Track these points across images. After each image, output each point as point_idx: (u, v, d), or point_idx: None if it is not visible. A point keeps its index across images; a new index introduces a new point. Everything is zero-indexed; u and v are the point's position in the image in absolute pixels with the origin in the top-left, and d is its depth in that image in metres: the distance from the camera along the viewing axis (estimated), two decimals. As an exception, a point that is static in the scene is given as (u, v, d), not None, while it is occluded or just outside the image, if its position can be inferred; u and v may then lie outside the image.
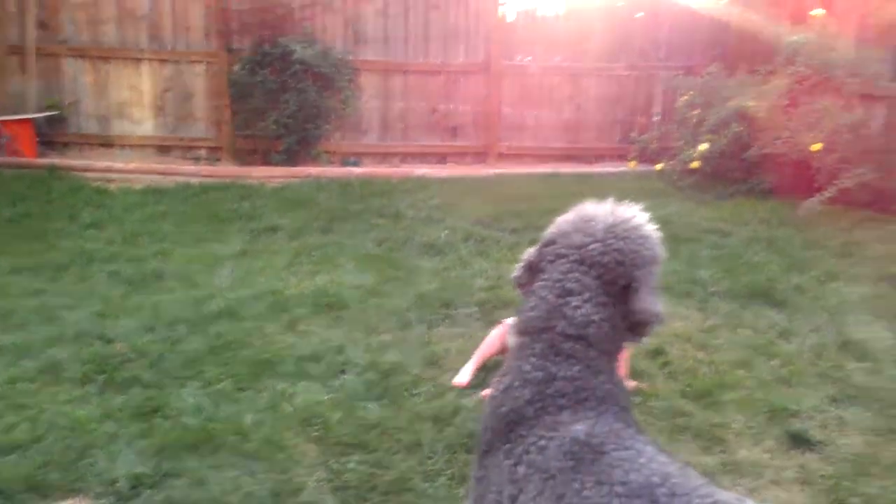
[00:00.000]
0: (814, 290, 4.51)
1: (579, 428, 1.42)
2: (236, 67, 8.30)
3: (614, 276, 1.58)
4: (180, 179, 7.32)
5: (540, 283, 1.61)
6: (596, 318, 1.56)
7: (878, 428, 2.98)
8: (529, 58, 9.10)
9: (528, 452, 1.44)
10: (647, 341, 1.85)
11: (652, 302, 1.59)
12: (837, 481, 2.65)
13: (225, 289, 4.36)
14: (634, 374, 3.39)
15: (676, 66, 8.99)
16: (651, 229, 1.66)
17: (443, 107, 9.04)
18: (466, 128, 9.14)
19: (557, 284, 1.58)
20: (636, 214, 1.68)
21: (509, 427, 1.51)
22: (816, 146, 6.28)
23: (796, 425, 2.99)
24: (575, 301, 1.56)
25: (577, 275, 1.57)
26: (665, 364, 3.52)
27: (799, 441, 2.90)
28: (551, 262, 1.62)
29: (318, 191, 7.01)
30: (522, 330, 1.62)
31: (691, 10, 8.89)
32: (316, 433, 2.88)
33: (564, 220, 1.67)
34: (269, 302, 4.16)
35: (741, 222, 6.05)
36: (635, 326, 1.62)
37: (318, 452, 2.78)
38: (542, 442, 1.43)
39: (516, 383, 1.54)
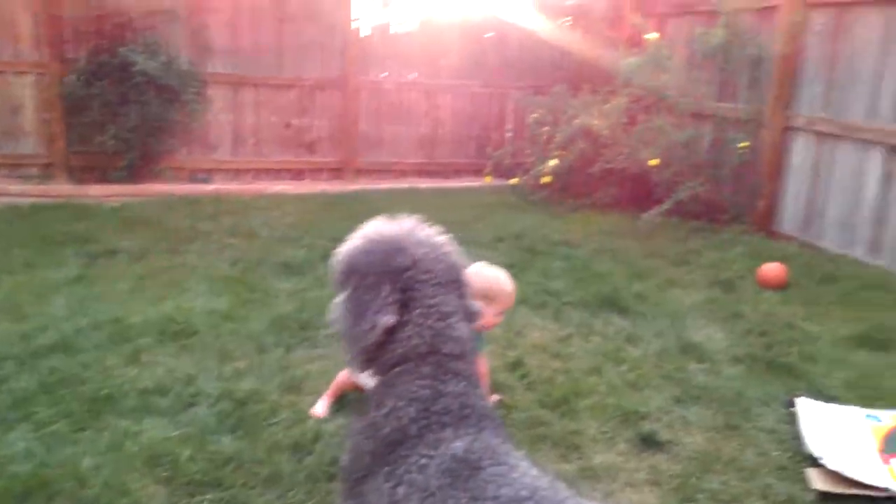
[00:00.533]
0: (655, 297, 4.79)
1: (458, 445, 1.46)
2: (70, 79, 7.73)
3: (461, 290, 1.68)
4: (6, 200, 6.69)
5: (416, 312, 1.60)
6: (468, 333, 1.66)
7: (717, 425, 3.19)
8: (385, 73, 9.13)
9: (409, 472, 1.45)
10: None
11: (475, 307, 1.72)
12: (685, 479, 2.79)
13: (59, 319, 4.00)
14: (495, 387, 3.43)
15: (526, 85, 9.34)
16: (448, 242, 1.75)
17: (297, 122, 8.85)
18: (323, 143, 9.01)
19: (434, 310, 1.61)
20: (433, 230, 1.74)
21: (390, 448, 1.50)
22: (654, 162, 6.72)
23: (646, 427, 3.13)
24: (454, 321, 1.62)
25: (448, 297, 1.63)
26: (524, 375, 3.59)
27: (649, 442, 3.04)
28: (417, 289, 1.61)
29: (163, 209, 6.64)
30: (400, 360, 1.60)
31: (535, 32, 9.27)
32: (164, 473, 2.68)
33: (399, 247, 1.64)
34: (110, 332, 3.86)
35: (588, 234, 6.34)
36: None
37: (166, 494, 2.58)
38: (424, 461, 1.45)
39: (400, 403, 1.54)
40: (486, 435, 1.51)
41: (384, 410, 1.56)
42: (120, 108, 7.75)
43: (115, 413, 3.07)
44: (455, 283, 1.66)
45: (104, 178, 7.83)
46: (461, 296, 1.67)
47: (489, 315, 2.85)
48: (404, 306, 1.60)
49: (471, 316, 1.70)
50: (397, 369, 1.60)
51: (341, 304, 1.70)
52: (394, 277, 1.60)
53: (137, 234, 5.80)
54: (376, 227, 1.71)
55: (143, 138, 7.84)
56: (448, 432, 1.49)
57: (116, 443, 2.84)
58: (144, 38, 7.94)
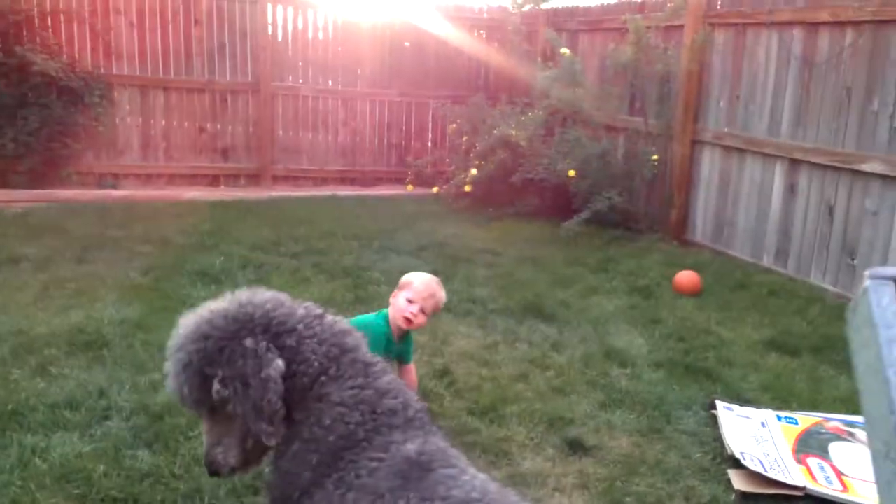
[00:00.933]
0: (577, 303, 4.87)
1: (410, 447, 1.46)
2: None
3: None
4: None
5: (290, 340, 1.62)
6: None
7: (641, 429, 3.25)
8: (301, 80, 8.99)
9: (358, 476, 1.44)
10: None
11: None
12: (611, 483, 2.83)
13: (-45, 331, 3.72)
14: (423, 394, 3.39)
15: (444, 95, 9.40)
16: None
17: (211, 126, 8.61)
18: (238, 149, 8.78)
19: (315, 320, 1.66)
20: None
21: (337, 455, 1.48)
22: (571, 172, 6.87)
23: (572, 432, 3.17)
24: (334, 319, 1.70)
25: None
26: (451, 383, 3.58)
27: (576, 447, 3.07)
28: (289, 331, 1.64)
29: (69, 216, 6.30)
30: (319, 371, 1.59)
31: (452, 43, 9.36)
32: (77, 490, 2.52)
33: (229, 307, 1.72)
34: (13, 344, 3.61)
35: (510, 242, 6.41)
36: None
37: (79, 513, 2.43)
38: (374, 464, 1.45)
39: (343, 410, 1.52)
40: (435, 437, 1.53)
41: (326, 422, 1.53)
42: (18, 110, 7.34)
43: (21, 429, 2.87)
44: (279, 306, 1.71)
45: (4, 183, 7.39)
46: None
47: (406, 311, 2.92)
48: (278, 336, 1.63)
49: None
50: (322, 379, 1.58)
51: (223, 391, 1.61)
52: (250, 327, 1.63)
53: (42, 241, 5.48)
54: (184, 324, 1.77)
55: (44, 142, 7.46)
56: (397, 435, 1.49)
57: (24, 460, 2.65)
58: (44, 38, 7.55)
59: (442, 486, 1.38)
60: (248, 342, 1.58)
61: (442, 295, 3.04)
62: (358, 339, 1.68)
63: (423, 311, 2.93)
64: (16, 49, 7.24)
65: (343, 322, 1.71)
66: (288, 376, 1.58)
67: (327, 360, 1.60)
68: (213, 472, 1.72)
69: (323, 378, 1.59)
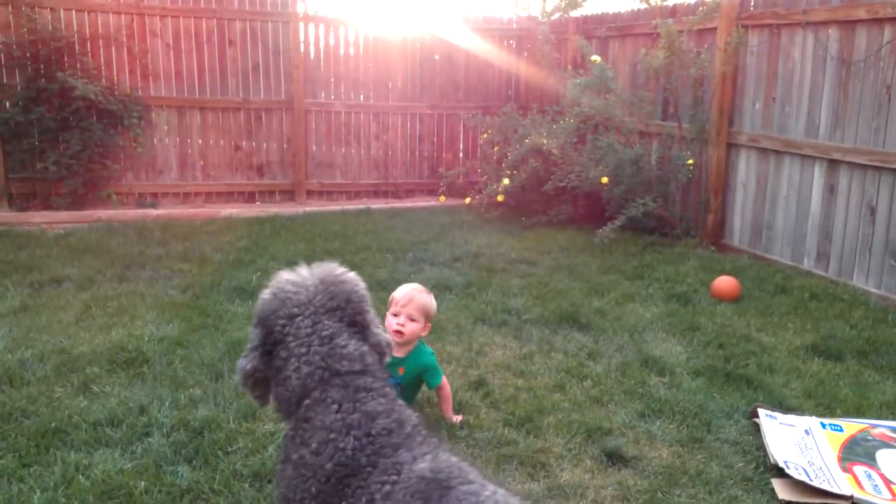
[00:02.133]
0: (614, 311, 4.82)
1: (423, 466, 1.42)
2: (6, 105, 7.48)
3: (348, 316, 1.71)
4: (-59, 229, 6.42)
5: (292, 344, 1.65)
6: (365, 349, 1.68)
7: (682, 439, 3.19)
8: (333, 96, 9.09)
9: (372, 501, 1.40)
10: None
11: (380, 333, 1.78)
12: (652, 494, 2.78)
13: (1, 351, 3.82)
14: (459, 406, 3.39)
15: (475, 106, 9.42)
16: (348, 273, 1.83)
17: (246, 144, 8.75)
18: (273, 166, 8.90)
19: (314, 337, 1.64)
20: (334, 265, 1.82)
21: (342, 483, 1.44)
22: (604, 179, 6.82)
23: (611, 443, 3.12)
24: (341, 341, 1.65)
25: (325, 322, 1.67)
26: (487, 394, 3.56)
27: (615, 458, 3.03)
28: (286, 325, 1.67)
29: (109, 236, 6.45)
30: (302, 391, 1.60)
31: (481, 54, 9.38)
32: (119, 507, 2.56)
33: (273, 293, 1.76)
34: (57, 362, 3.70)
35: (544, 251, 6.37)
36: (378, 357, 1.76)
37: (121, 529, 2.47)
38: (388, 487, 1.40)
39: (332, 436, 1.48)
40: (443, 452, 1.49)
41: (313, 446, 1.50)
42: (60, 133, 7.56)
43: (64, 447, 2.93)
44: (338, 309, 1.70)
45: (47, 205, 7.60)
46: (346, 319, 1.70)
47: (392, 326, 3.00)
48: (278, 344, 1.67)
49: (364, 334, 1.73)
50: (306, 402, 1.57)
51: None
52: (263, 321, 1.71)
53: (83, 261, 5.62)
54: (280, 275, 1.79)
55: (85, 164, 7.65)
56: (403, 454, 1.45)
57: (67, 477, 2.70)
58: (83, 63, 7.76)
59: (465, 503, 1.35)
60: (255, 333, 1.74)
61: (423, 298, 3.07)
62: (354, 364, 1.63)
63: (409, 318, 2.95)
64: (57, 75, 7.45)
65: (351, 346, 1.67)
66: (275, 384, 1.70)
67: (314, 382, 1.59)
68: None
69: (307, 401, 1.58)
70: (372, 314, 1.79)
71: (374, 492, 1.40)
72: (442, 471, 1.41)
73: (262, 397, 1.81)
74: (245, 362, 1.72)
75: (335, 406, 1.53)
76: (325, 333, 1.64)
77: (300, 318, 1.66)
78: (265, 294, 1.76)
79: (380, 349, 1.73)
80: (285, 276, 1.76)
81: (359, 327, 1.71)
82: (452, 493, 1.36)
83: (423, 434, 1.55)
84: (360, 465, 1.44)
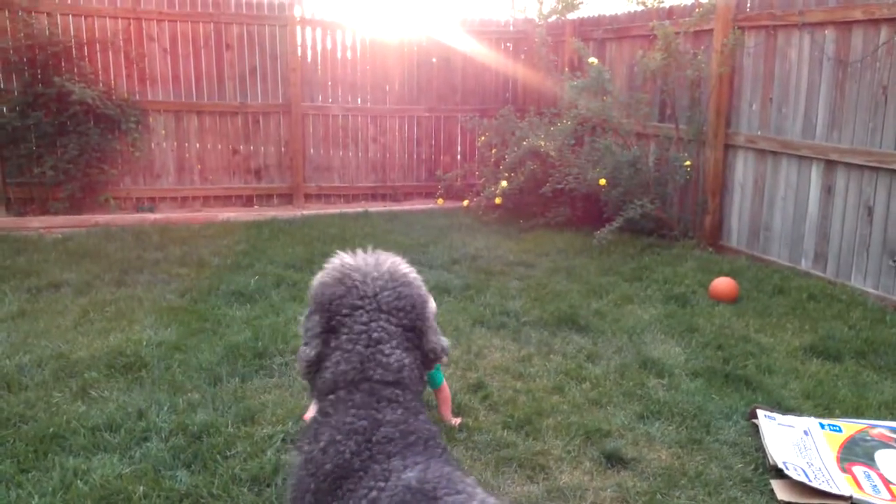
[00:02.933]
0: (612, 313, 4.82)
1: (411, 475, 1.40)
2: (4, 110, 7.47)
3: (409, 320, 1.64)
4: (-63, 234, 6.41)
5: (344, 337, 1.60)
6: (407, 361, 1.62)
7: (681, 440, 3.19)
8: (330, 99, 9.09)
9: None
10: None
11: (439, 339, 1.71)
12: (651, 496, 2.78)
13: (0, 356, 3.82)
14: (458, 409, 3.39)
15: (472, 108, 9.43)
16: (413, 273, 1.74)
17: (244, 148, 8.75)
18: (271, 169, 8.90)
19: (363, 335, 1.59)
20: (400, 261, 1.73)
21: (335, 484, 1.45)
22: (602, 181, 6.82)
23: (610, 445, 3.12)
24: (386, 348, 1.59)
25: (381, 323, 1.60)
26: (486, 397, 3.56)
27: (614, 460, 3.03)
28: (347, 315, 1.61)
29: (107, 240, 6.44)
30: (332, 386, 1.59)
31: (479, 57, 9.39)
32: (117, 512, 2.56)
33: (338, 278, 1.66)
34: (55, 367, 3.69)
35: (543, 253, 6.38)
36: (427, 363, 1.71)
37: (120, 535, 2.46)
38: (374, 493, 1.39)
39: (338, 437, 1.49)
40: (437, 462, 1.46)
41: (322, 444, 1.50)
42: (58, 138, 7.56)
43: (63, 452, 2.93)
44: (401, 311, 1.63)
45: (45, 210, 7.60)
46: (405, 324, 1.63)
47: None
48: (332, 333, 1.61)
49: (417, 344, 1.66)
50: (331, 397, 1.57)
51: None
52: (324, 307, 1.63)
53: (81, 266, 5.61)
54: (342, 258, 1.70)
55: (83, 168, 7.65)
56: (395, 462, 1.44)
57: (66, 482, 2.70)
58: (80, 68, 7.76)
59: None
60: (316, 319, 1.64)
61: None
62: (388, 375, 1.59)
63: None
64: (55, 79, 7.45)
65: (394, 357, 1.62)
66: (316, 372, 1.64)
67: (344, 381, 1.57)
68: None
69: (332, 396, 1.57)
70: (433, 320, 1.72)
71: (360, 497, 1.40)
72: (429, 481, 1.38)
73: (312, 388, 1.74)
74: (309, 350, 1.62)
75: (353, 410, 1.53)
76: (374, 335, 1.59)
77: (360, 311, 1.60)
78: (326, 277, 1.66)
79: (435, 354, 1.70)
80: (349, 261, 1.68)
81: (417, 332, 1.66)
82: (437, 503, 1.35)
83: (431, 447, 1.52)
84: (353, 468, 1.44)
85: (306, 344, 1.64)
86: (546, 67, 8.04)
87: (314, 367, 1.64)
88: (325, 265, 1.71)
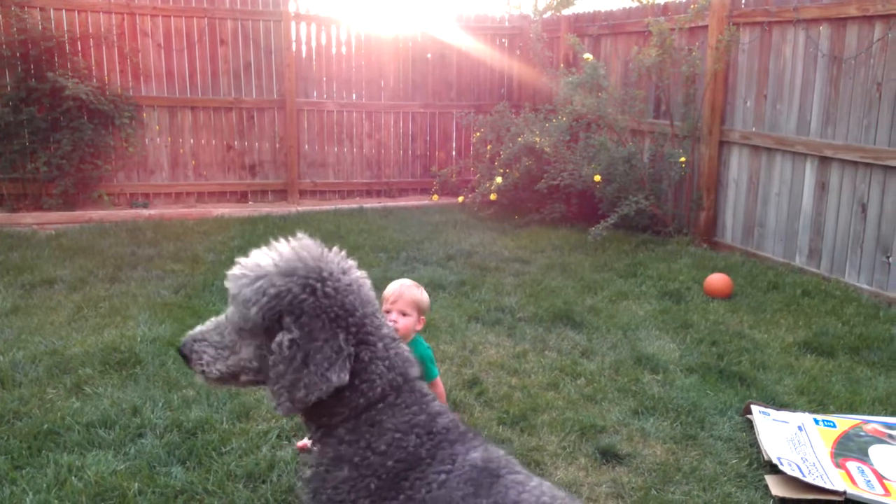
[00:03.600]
0: (607, 309, 4.83)
1: (476, 455, 1.49)
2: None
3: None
4: (-70, 230, 6.37)
5: (379, 345, 1.56)
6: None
7: (675, 436, 3.20)
8: (325, 95, 9.07)
9: (429, 491, 1.45)
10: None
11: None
12: (646, 492, 2.79)
13: (-8, 353, 3.80)
14: (453, 405, 3.39)
15: (467, 104, 9.43)
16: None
17: (238, 144, 8.72)
18: (265, 165, 8.88)
19: (387, 338, 1.58)
20: (310, 244, 1.63)
21: (401, 476, 1.48)
22: (597, 177, 6.83)
23: (605, 440, 3.13)
24: (405, 347, 1.64)
25: (382, 318, 1.63)
26: (481, 393, 3.56)
27: (609, 455, 3.03)
28: (370, 321, 1.56)
29: (101, 236, 6.42)
30: (379, 397, 1.54)
31: (474, 53, 9.38)
32: (112, 509, 2.55)
33: (353, 283, 1.56)
34: (49, 364, 3.68)
35: (538, 250, 6.38)
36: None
37: (115, 531, 2.46)
38: (443, 476, 1.46)
39: (398, 435, 1.51)
40: (491, 446, 1.55)
41: (380, 448, 1.49)
42: (51, 133, 7.53)
43: (57, 448, 2.92)
44: (373, 304, 1.59)
45: (38, 206, 7.57)
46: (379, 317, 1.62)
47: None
48: (360, 344, 1.51)
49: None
50: (379, 405, 1.53)
51: (284, 348, 1.48)
52: (346, 322, 1.50)
53: (75, 262, 5.59)
54: (291, 250, 1.57)
55: (76, 164, 7.62)
56: (458, 447, 1.51)
57: (60, 479, 2.69)
58: (74, 63, 7.72)
59: (513, 491, 1.42)
60: (342, 338, 1.48)
61: (412, 293, 3.02)
62: (418, 370, 1.62)
63: (401, 313, 2.94)
64: (48, 75, 7.41)
65: (407, 349, 1.64)
66: (345, 387, 1.49)
67: (390, 387, 1.54)
68: (187, 361, 1.64)
69: (380, 405, 1.53)
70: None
71: (431, 481, 1.46)
72: (493, 461, 1.48)
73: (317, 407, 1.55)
74: (342, 374, 1.46)
75: (407, 410, 1.55)
76: (393, 334, 1.60)
77: (374, 316, 1.56)
78: (339, 284, 1.52)
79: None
80: (350, 262, 1.60)
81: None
82: (501, 481, 1.44)
83: (476, 433, 1.60)
84: (420, 457, 1.49)
85: (333, 367, 1.45)
86: (541, 63, 8.04)
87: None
88: (284, 257, 1.55)
